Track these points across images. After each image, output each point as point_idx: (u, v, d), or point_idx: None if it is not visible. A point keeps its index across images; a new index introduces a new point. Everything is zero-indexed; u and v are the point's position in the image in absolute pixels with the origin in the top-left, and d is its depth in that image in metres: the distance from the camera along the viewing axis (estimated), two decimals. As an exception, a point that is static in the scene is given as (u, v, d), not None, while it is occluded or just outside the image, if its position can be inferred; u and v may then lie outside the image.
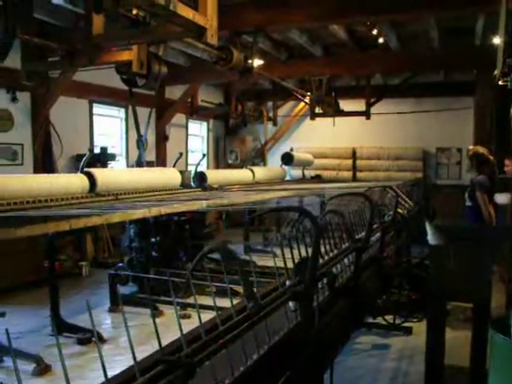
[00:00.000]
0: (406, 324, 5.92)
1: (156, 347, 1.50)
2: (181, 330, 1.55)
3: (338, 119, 12.80)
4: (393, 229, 4.55)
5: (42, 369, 4.60)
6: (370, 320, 5.71)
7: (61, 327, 5.46)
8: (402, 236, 5.11)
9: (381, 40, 10.27)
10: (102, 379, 1.34)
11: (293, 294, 2.13)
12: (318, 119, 13.05)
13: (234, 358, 1.73)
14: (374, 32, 9.80)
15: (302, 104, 14.23)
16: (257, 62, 8.57)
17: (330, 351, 2.72)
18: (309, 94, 12.42)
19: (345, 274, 2.91)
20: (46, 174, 5.88)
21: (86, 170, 5.64)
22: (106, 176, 5.71)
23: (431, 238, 3.20)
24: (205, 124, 14.85)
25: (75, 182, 5.35)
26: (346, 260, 2.93)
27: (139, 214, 5.05)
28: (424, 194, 10.10)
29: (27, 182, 4.79)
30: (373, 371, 4.82)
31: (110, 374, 1.37)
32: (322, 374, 2.56)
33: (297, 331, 2.20)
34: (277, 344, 2.03)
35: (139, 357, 1.45)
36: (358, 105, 12.92)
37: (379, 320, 5.75)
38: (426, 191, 10.48)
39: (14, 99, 8.55)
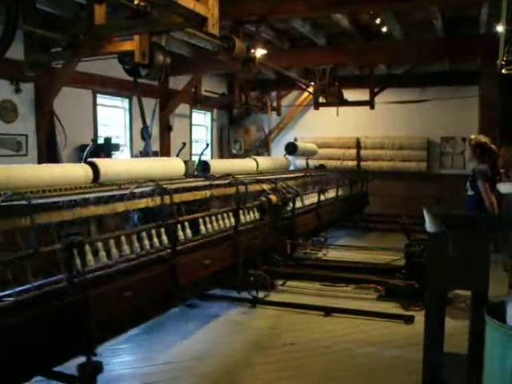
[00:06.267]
0: (408, 312, 5.96)
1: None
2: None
3: (341, 109, 12.77)
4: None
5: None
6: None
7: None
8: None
9: (384, 29, 10.23)
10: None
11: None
12: (321, 109, 13.04)
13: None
14: (378, 21, 9.77)
15: (306, 94, 14.21)
16: (260, 52, 8.57)
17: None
18: (312, 83, 12.40)
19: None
20: (48, 164, 5.92)
21: (89, 159, 5.66)
22: (109, 166, 5.72)
23: (429, 226, 3.22)
24: (209, 114, 14.84)
25: (78, 171, 5.36)
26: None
27: (143, 202, 5.10)
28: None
29: (30, 172, 4.82)
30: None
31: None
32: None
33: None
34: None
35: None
36: (362, 94, 12.90)
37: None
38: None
39: (17, 90, 8.58)
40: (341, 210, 10.36)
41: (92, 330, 3.39)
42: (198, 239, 5.27)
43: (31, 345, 3.13)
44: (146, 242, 4.50)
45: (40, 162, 8.75)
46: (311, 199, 8.75)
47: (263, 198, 6.68)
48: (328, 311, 6.08)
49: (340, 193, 10.31)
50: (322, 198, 9.06)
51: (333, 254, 8.60)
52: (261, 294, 6.31)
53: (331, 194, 9.83)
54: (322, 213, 8.90)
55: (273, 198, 6.76)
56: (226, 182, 6.29)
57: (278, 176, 8.26)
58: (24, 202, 3.62)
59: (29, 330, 3.13)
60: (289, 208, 7.37)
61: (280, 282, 6.90)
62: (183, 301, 5.30)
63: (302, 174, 9.28)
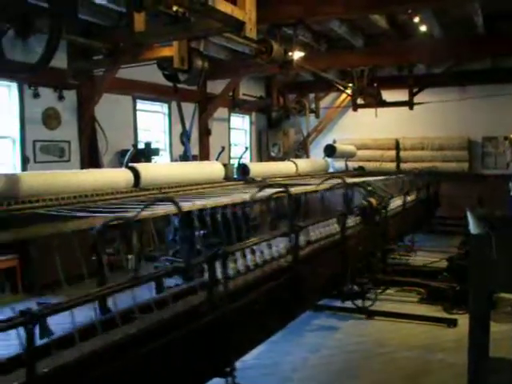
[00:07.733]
0: (451, 316, 5.88)
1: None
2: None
3: (380, 110, 12.65)
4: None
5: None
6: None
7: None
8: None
9: (423, 28, 10.08)
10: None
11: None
12: (360, 110, 12.96)
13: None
14: (416, 20, 9.63)
15: (344, 95, 14.12)
16: (297, 54, 8.56)
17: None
18: (350, 84, 12.33)
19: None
20: (91, 170, 6.03)
21: (130, 164, 5.76)
22: (149, 170, 5.81)
23: (473, 227, 3.16)
24: (247, 117, 14.91)
25: (120, 176, 5.46)
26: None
27: (184, 207, 5.14)
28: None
29: (73, 178, 4.93)
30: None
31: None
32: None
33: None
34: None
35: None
36: (401, 95, 12.74)
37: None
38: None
39: (60, 98, 8.78)
40: (421, 213, 9.97)
41: (231, 349, 3.22)
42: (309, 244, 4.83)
43: (168, 368, 2.79)
44: (266, 251, 4.07)
45: (82, 167, 8.94)
46: (395, 202, 8.15)
47: (364, 202, 6.35)
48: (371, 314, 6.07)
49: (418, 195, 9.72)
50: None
51: (420, 259, 8.35)
52: (362, 303, 6.13)
53: (411, 196, 9.22)
54: (406, 216, 8.48)
55: (373, 201, 6.45)
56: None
57: (370, 178, 8.04)
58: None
59: (168, 352, 2.76)
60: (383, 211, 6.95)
61: (379, 290, 6.67)
62: (302, 312, 4.87)
63: (386, 177, 8.81)
